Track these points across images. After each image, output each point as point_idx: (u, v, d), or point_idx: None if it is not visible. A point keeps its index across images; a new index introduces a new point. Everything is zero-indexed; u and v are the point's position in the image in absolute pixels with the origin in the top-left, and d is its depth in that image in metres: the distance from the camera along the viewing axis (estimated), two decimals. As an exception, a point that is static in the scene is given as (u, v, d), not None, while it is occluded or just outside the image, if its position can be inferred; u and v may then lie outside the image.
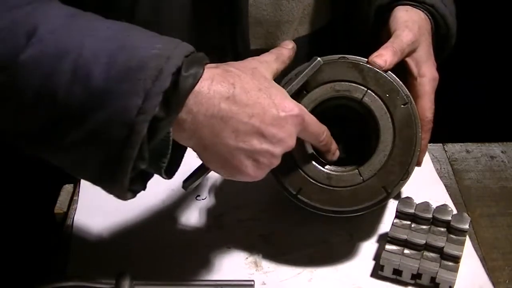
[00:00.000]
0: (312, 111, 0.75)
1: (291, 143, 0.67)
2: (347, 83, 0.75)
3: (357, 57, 0.76)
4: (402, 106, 0.75)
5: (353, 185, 0.75)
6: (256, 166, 0.66)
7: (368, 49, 0.78)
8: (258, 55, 0.75)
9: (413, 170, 0.76)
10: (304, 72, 0.73)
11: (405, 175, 0.75)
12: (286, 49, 0.74)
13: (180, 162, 0.67)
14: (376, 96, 0.75)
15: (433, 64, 0.84)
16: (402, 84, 0.76)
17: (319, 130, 0.71)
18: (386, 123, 0.75)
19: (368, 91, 0.75)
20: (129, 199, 0.64)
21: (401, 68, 0.80)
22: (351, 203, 0.76)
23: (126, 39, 0.59)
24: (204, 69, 0.62)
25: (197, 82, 0.61)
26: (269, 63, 0.71)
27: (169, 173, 0.66)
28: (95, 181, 0.62)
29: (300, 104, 0.68)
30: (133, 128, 0.57)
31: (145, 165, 0.62)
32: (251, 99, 0.64)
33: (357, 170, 0.75)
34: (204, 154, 0.65)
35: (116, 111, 0.57)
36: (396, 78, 0.76)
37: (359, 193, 0.75)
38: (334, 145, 0.75)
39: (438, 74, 0.83)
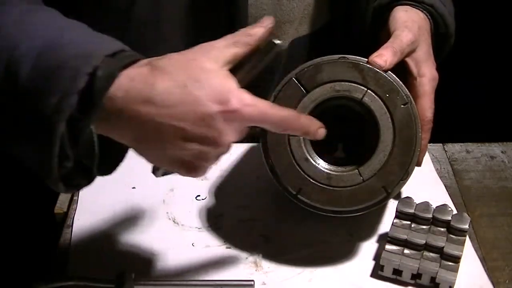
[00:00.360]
0: (312, 111, 0.75)
1: (225, 140, 0.61)
2: (347, 83, 0.75)
3: (357, 57, 0.76)
4: (402, 106, 0.75)
5: (353, 185, 0.75)
6: (190, 169, 0.62)
7: (367, 48, 0.78)
8: None
9: (413, 170, 0.76)
10: (263, 59, 0.66)
11: (405, 175, 0.75)
12: (254, 29, 0.66)
13: (119, 159, 0.64)
14: (376, 96, 0.75)
15: (433, 64, 0.84)
16: (402, 84, 0.76)
17: (274, 119, 0.63)
18: (386, 123, 0.75)
19: (368, 91, 0.75)
20: (70, 193, 0.64)
21: (401, 68, 0.80)
22: (351, 203, 0.76)
23: (59, 37, 0.59)
24: (120, 71, 0.58)
25: (111, 84, 0.57)
26: (221, 49, 0.63)
27: (105, 171, 0.64)
28: (38, 175, 0.61)
29: (246, 95, 0.61)
30: (50, 127, 0.57)
31: (71, 163, 0.60)
32: (172, 99, 0.58)
33: (357, 170, 0.75)
34: (140, 154, 0.62)
35: (36, 110, 0.57)
36: (396, 78, 0.76)
37: (359, 193, 0.75)
38: (313, 126, 0.67)
39: (438, 73, 0.83)
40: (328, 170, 0.76)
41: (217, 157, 0.63)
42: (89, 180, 0.64)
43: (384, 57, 0.76)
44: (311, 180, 0.75)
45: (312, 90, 0.75)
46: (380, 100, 0.75)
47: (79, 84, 0.56)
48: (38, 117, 0.57)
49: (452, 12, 0.93)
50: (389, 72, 0.76)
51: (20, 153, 0.62)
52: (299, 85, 0.75)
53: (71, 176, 0.61)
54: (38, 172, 0.61)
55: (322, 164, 0.76)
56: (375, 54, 0.76)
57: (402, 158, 0.74)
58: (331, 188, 0.75)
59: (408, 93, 0.76)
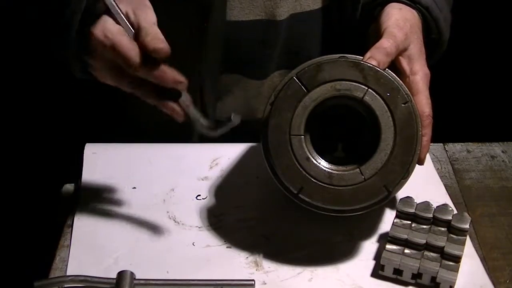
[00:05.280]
0: (313, 110, 0.75)
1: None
2: (347, 82, 0.75)
3: (358, 56, 0.76)
4: (402, 104, 0.75)
5: (355, 184, 0.75)
6: None
7: (358, 39, 0.78)
8: (256, 27, 0.83)
9: (413, 169, 0.76)
10: None
11: (405, 174, 0.75)
12: None
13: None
14: (376, 95, 0.75)
15: (425, 61, 0.84)
16: (402, 83, 0.76)
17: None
18: (387, 122, 0.75)
19: (369, 90, 0.75)
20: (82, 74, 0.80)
21: (392, 66, 0.80)
22: (352, 202, 0.75)
23: None
24: None
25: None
26: None
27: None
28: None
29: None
30: (68, 26, 0.76)
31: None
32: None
33: (358, 169, 0.75)
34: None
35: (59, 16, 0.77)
36: (396, 77, 0.76)
37: (360, 192, 0.75)
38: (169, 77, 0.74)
39: (430, 71, 0.83)
40: (329, 169, 0.76)
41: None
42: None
43: (377, 59, 0.76)
44: (312, 179, 0.75)
45: (313, 89, 0.75)
46: (381, 99, 0.75)
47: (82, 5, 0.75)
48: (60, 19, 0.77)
49: (448, 20, 0.93)
50: (389, 70, 0.76)
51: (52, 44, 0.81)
52: (300, 84, 0.75)
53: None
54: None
55: (323, 164, 0.76)
56: (368, 55, 0.76)
57: (403, 157, 0.74)
58: (332, 187, 0.75)
59: (408, 92, 0.76)
